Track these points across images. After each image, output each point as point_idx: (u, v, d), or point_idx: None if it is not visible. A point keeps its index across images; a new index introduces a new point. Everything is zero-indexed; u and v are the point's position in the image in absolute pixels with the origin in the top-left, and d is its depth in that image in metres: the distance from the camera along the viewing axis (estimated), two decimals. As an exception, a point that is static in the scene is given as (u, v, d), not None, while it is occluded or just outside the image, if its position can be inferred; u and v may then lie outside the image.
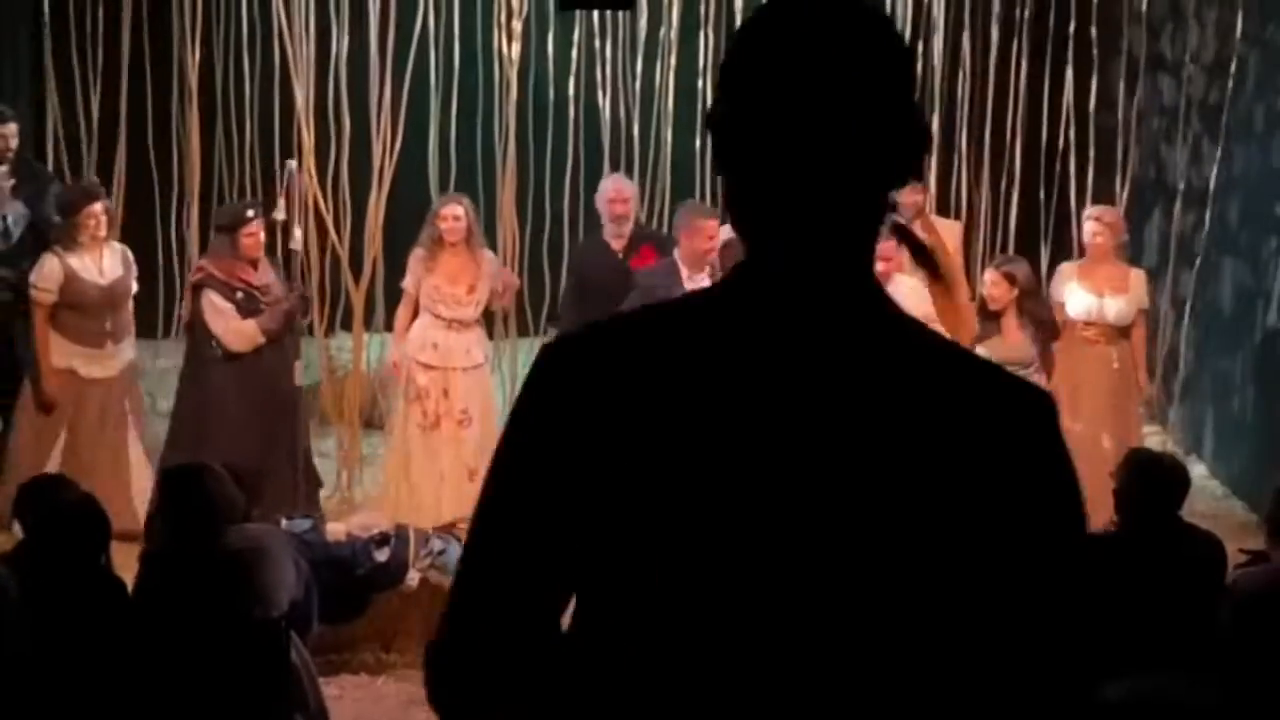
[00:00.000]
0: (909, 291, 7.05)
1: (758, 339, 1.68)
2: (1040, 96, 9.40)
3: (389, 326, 9.09)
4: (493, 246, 8.19)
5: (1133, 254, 9.93)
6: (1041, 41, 9.40)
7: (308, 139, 8.93)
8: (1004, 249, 9.24)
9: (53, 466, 7.52)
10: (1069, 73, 9.31)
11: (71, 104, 8.75)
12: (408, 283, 8.03)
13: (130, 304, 7.95)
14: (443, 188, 9.14)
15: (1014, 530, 1.69)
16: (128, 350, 8.00)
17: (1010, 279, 7.66)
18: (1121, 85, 9.33)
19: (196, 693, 4.82)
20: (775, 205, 1.68)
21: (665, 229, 8.83)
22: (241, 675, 4.94)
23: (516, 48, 9.22)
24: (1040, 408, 1.74)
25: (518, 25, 9.20)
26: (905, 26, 9.18)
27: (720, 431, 1.65)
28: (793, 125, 1.64)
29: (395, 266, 9.06)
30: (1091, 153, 9.26)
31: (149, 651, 4.78)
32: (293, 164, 8.13)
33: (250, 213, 7.78)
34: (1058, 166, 9.34)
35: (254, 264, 7.75)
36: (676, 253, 7.82)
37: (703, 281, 7.56)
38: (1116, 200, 9.00)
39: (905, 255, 6.87)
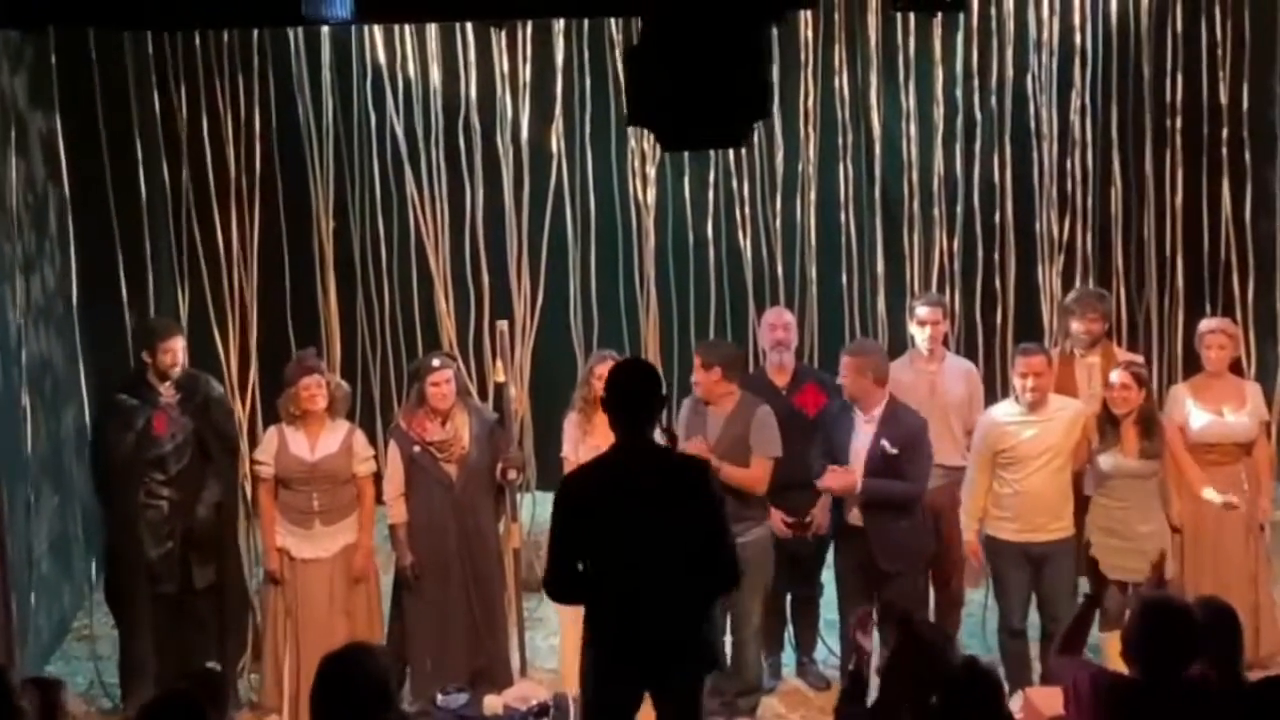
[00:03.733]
0: (1070, 411, 7.43)
1: (620, 464, 5.68)
2: (1199, 209, 9.05)
3: (540, 486, 8.90)
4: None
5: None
6: (1196, 152, 9.06)
7: (445, 305, 8.86)
8: (1172, 363, 8.96)
9: (292, 652, 7.44)
10: (1224, 182, 9.00)
11: (210, 280, 8.65)
12: (566, 450, 7.65)
13: (351, 486, 7.56)
14: (585, 340, 9.00)
15: (700, 509, 5.65)
16: (344, 533, 7.56)
17: (1140, 381, 7.33)
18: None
19: None
20: (623, 421, 5.70)
21: (814, 366, 8.55)
22: None
23: (652, 193, 9.10)
24: (699, 465, 6.01)
25: (651, 170, 9.08)
26: (1053, 144, 8.94)
27: (612, 501, 5.63)
28: (621, 400, 5.70)
29: (541, 423, 8.92)
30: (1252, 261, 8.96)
31: None
32: (503, 325, 7.95)
33: (435, 362, 7.54)
34: (1221, 278, 9.03)
35: (443, 417, 7.56)
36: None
37: (866, 422, 7.30)
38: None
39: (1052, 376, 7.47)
